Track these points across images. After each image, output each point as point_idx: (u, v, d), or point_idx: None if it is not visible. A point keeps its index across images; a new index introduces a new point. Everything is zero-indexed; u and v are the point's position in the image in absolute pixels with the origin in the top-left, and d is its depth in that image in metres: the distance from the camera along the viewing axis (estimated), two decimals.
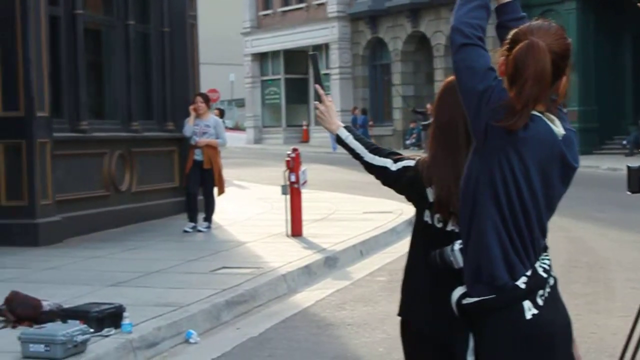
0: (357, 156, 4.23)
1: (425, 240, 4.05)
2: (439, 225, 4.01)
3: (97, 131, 15.89)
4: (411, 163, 4.10)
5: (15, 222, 13.66)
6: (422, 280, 4.05)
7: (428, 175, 3.99)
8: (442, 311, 3.84)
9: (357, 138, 4.26)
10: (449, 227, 4.00)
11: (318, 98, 4.37)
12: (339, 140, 4.28)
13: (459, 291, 3.58)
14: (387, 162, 4.14)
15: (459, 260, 3.80)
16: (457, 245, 3.82)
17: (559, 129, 3.49)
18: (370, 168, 4.21)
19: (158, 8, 18.15)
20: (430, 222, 4.03)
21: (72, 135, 15.20)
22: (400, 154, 4.20)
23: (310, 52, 4.47)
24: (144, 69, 17.92)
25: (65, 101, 15.17)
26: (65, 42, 15.21)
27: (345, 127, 4.30)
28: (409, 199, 4.15)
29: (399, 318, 4.19)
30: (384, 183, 4.20)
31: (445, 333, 3.85)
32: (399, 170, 4.11)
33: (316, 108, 4.38)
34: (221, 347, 8.53)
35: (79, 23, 15.53)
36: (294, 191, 14.65)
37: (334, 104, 4.44)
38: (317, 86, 4.39)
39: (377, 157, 4.18)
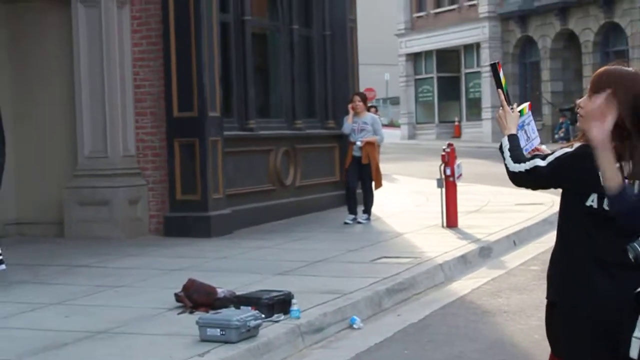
0: (505, 166, 4.10)
1: (586, 227, 3.90)
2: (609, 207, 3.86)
3: (263, 129, 16.09)
4: (567, 150, 3.94)
5: (189, 214, 13.95)
6: (584, 267, 3.90)
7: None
8: (609, 296, 3.79)
9: (511, 148, 4.13)
10: None
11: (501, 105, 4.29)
12: (500, 147, 4.17)
13: None
14: (536, 161, 3.99)
15: None
16: None
17: None
18: (517, 176, 4.05)
19: (320, 13, 18.26)
20: (596, 206, 3.88)
21: (241, 133, 15.44)
22: (543, 154, 4.05)
23: (490, 62, 4.39)
24: (307, 71, 18.06)
25: (234, 102, 15.42)
26: (235, 46, 15.46)
27: (510, 136, 4.18)
28: (570, 186, 3.95)
29: None
30: (536, 184, 4.04)
31: (613, 318, 3.77)
32: (551, 163, 3.95)
33: (497, 113, 4.31)
34: (383, 332, 8.53)
35: (248, 28, 15.76)
36: (449, 184, 14.54)
37: (511, 111, 4.26)
38: (499, 92, 4.31)
39: (522, 164, 4.03)
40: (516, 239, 13.71)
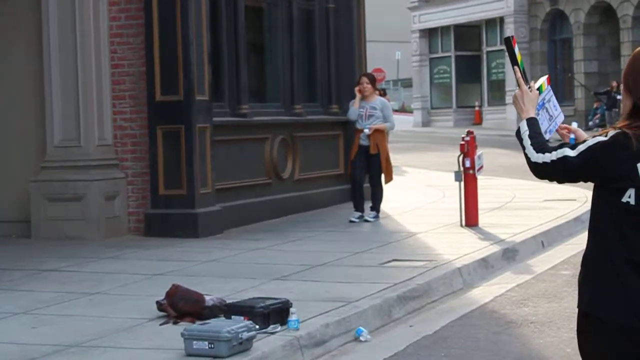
0: (525, 155, 4.09)
1: (622, 226, 3.90)
2: None
3: (258, 115, 16.08)
4: (601, 139, 3.92)
5: (173, 212, 13.94)
6: (621, 272, 3.91)
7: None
8: None
9: (531, 135, 4.11)
10: None
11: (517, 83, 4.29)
12: (518, 133, 4.16)
13: None
14: (565, 151, 3.97)
15: None
16: None
17: None
18: (540, 168, 4.03)
19: None
20: (634, 202, 3.88)
21: (232, 119, 15.43)
22: (570, 144, 4.03)
23: (505, 37, 4.41)
24: (308, 49, 18.03)
25: (225, 84, 15.40)
26: (226, 21, 15.42)
27: (529, 120, 4.17)
28: (603, 180, 3.95)
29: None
30: (564, 177, 4.02)
31: None
32: (581, 153, 3.94)
33: (514, 93, 4.30)
34: (394, 345, 8.51)
35: (240, 1, 15.72)
36: (468, 177, 14.52)
37: (531, 91, 4.28)
38: (516, 69, 4.29)
39: (547, 154, 4.00)
40: (545, 240, 13.70)
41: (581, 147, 3.95)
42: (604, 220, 3.98)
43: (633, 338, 3.89)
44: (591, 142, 3.95)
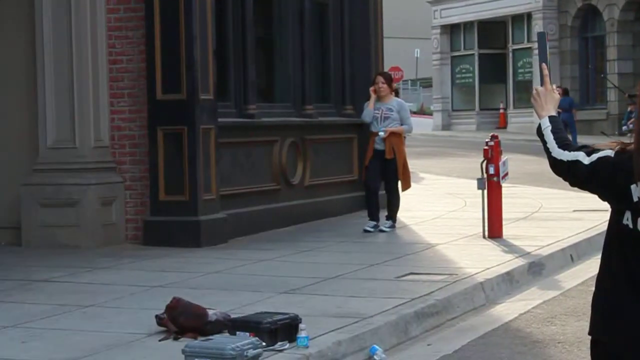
0: (546, 150, 4.18)
1: (623, 247, 3.96)
2: None
3: (266, 116, 16.09)
4: (609, 153, 3.99)
5: (174, 219, 13.94)
6: (622, 294, 3.98)
7: (633, 167, 3.88)
8: None
9: (554, 130, 4.20)
10: None
11: (541, 80, 4.35)
12: (539, 129, 4.25)
13: None
14: (579, 155, 4.05)
15: None
16: None
17: None
18: (558, 165, 4.13)
19: None
20: (631, 226, 3.92)
21: (238, 120, 15.44)
22: (592, 147, 4.10)
23: (539, 31, 4.47)
24: (320, 45, 18.04)
25: (231, 82, 15.42)
26: (233, 14, 15.44)
27: (551, 117, 4.26)
28: (605, 197, 4.05)
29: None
30: (574, 182, 4.11)
31: None
32: (593, 163, 4.01)
33: (535, 89, 4.35)
34: None
35: None
36: (492, 185, 14.51)
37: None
38: (544, 66, 4.35)
39: (565, 152, 4.10)
40: (574, 253, 13.70)
41: (594, 157, 4.03)
42: (610, 239, 4.06)
43: None
44: (602, 153, 4.02)
